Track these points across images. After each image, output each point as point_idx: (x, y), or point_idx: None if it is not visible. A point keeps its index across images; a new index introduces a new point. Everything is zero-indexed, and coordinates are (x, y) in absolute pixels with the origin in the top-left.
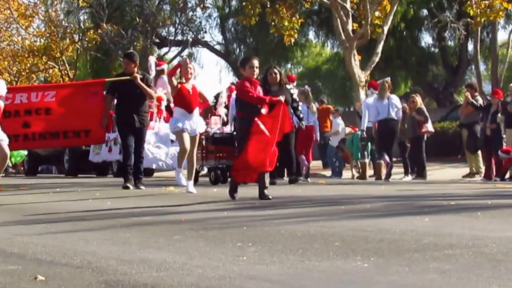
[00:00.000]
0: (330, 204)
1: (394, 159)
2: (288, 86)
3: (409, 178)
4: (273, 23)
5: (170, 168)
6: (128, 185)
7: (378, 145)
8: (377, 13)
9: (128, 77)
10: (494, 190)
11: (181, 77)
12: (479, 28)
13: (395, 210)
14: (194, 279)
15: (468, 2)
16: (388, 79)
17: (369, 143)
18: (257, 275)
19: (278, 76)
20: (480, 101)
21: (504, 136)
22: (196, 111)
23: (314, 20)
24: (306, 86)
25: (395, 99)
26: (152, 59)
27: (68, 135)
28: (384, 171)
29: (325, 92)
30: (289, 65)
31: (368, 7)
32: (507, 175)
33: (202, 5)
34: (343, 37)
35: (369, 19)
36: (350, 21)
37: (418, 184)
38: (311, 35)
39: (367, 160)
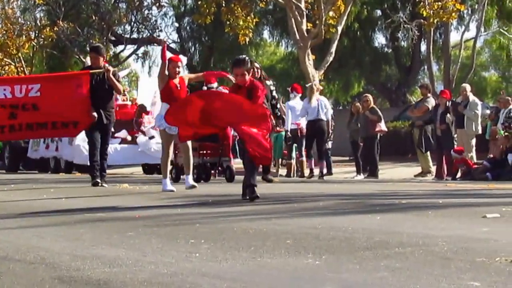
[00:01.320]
0: (282, 202)
1: (346, 158)
2: (268, 82)
3: (361, 176)
4: (228, 22)
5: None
6: (98, 181)
7: (308, 144)
8: (331, 13)
9: (100, 70)
10: (445, 189)
11: (169, 72)
12: (432, 29)
13: (347, 208)
14: (147, 275)
15: (421, 3)
16: (317, 82)
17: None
18: (209, 271)
19: (258, 71)
20: (433, 101)
21: (455, 136)
22: None
23: (268, 19)
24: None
25: (324, 101)
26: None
27: (57, 125)
28: (308, 169)
29: (279, 91)
30: None
31: (322, 7)
32: (458, 175)
33: (157, 4)
34: (298, 37)
35: (323, 19)
36: (304, 20)
37: (370, 182)
38: (266, 34)
39: (293, 161)
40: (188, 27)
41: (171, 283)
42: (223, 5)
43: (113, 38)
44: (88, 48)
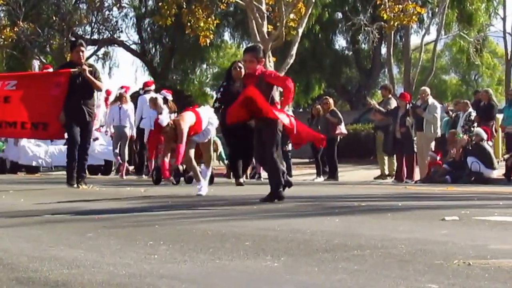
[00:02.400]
0: (242, 204)
1: (306, 160)
2: None
3: (321, 179)
4: (189, 24)
5: (49, 166)
6: (73, 183)
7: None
8: (292, 16)
9: (75, 69)
10: (405, 192)
11: None
12: (393, 32)
13: (306, 210)
14: (105, 276)
15: (382, 6)
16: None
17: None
18: (168, 273)
19: (242, 71)
20: (394, 103)
21: (415, 138)
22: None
23: (229, 21)
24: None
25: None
26: None
27: (26, 126)
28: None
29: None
30: (204, 66)
31: (283, 9)
32: (417, 177)
33: (118, 5)
34: (258, 39)
35: (284, 21)
36: (265, 23)
37: (330, 185)
38: (227, 36)
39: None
40: (148, 28)
41: (129, 284)
42: (184, 6)
43: (73, 39)
44: (48, 49)
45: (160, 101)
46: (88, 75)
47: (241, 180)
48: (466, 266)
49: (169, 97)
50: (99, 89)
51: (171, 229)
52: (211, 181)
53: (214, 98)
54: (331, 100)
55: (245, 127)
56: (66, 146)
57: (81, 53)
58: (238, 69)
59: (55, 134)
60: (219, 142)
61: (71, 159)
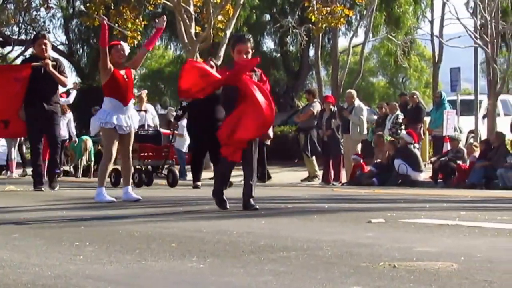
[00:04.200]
0: (168, 205)
1: None
2: None
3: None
4: (116, 25)
5: None
6: (41, 187)
7: None
8: (220, 17)
9: (38, 63)
10: (331, 194)
11: (111, 61)
12: (321, 34)
13: (233, 212)
14: (31, 277)
15: (310, 8)
16: (145, 91)
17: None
18: (93, 274)
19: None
20: (318, 106)
21: (342, 141)
22: (132, 103)
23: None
24: None
25: (150, 108)
26: None
27: None
28: None
29: (167, 94)
30: None
31: (211, 11)
32: (344, 180)
33: (46, 5)
34: (186, 40)
35: (212, 23)
36: (193, 24)
37: (257, 187)
38: None
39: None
40: (76, 29)
41: (55, 285)
42: (112, 7)
43: (0, 39)
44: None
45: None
46: (51, 69)
47: (199, 183)
48: (391, 268)
49: None
50: (64, 85)
51: (97, 230)
52: (174, 184)
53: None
54: None
55: (213, 127)
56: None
57: (43, 46)
58: (210, 68)
59: (17, 132)
60: (89, 141)
61: (36, 163)
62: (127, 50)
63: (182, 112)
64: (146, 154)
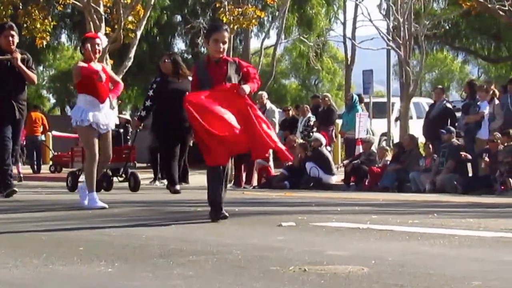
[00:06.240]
0: (77, 209)
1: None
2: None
3: (159, 184)
4: (25, 25)
5: None
6: (15, 189)
7: None
8: (130, 18)
9: (6, 57)
10: (242, 197)
11: (85, 56)
12: (232, 35)
13: (143, 215)
14: None
15: (221, 9)
16: None
17: None
18: (0, 278)
19: (174, 64)
20: None
21: None
22: (107, 101)
23: (67, 23)
24: None
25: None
26: None
27: None
28: None
29: (75, 95)
30: (41, 68)
31: (122, 11)
32: (255, 183)
33: None
34: None
35: (122, 24)
36: (103, 25)
37: (167, 190)
38: (64, 38)
39: None
40: None
41: None
42: (20, 7)
43: None
44: None
45: None
46: (20, 64)
47: (177, 186)
48: (302, 272)
49: None
50: (33, 81)
51: (2, 234)
52: (136, 188)
53: (146, 96)
54: None
55: (181, 128)
56: None
57: (10, 38)
58: (165, 62)
59: None
60: None
61: (4, 164)
62: (104, 43)
63: (146, 113)
64: None
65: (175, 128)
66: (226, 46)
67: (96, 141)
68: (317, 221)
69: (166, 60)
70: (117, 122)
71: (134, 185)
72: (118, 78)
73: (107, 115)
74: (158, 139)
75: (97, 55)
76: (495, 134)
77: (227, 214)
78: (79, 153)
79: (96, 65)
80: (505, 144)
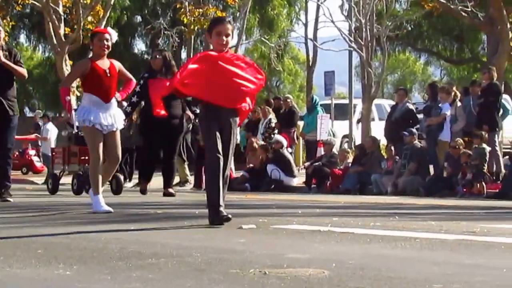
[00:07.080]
0: (35, 211)
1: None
2: None
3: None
4: None
5: None
6: (6, 198)
7: None
8: (90, 18)
9: None
10: (203, 199)
11: (93, 52)
12: (193, 36)
13: (101, 218)
14: None
15: (182, 10)
16: None
17: None
18: None
19: (166, 61)
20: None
21: None
22: (114, 100)
23: (25, 23)
24: None
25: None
26: None
27: None
28: None
29: (36, 97)
30: None
31: (81, 11)
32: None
33: None
34: (55, 42)
35: (82, 24)
36: (62, 25)
37: (127, 191)
38: (23, 38)
39: None
40: None
41: None
42: None
43: None
44: None
45: None
46: (5, 60)
47: (147, 186)
48: (262, 275)
49: None
50: (23, 77)
51: None
52: (119, 191)
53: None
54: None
55: (169, 126)
56: None
57: None
58: (156, 58)
59: None
60: None
61: None
62: (114, 38)
63: (132, 109)
64: (87, 157)
65: (162, 125)
66: (229, 39)
67: (100, 142)
68: (278, 224)
69: (157, 56)
70: None
71: (117, 188)
72: (130, 75)
73: (113, 115)
74: (142, 135)
75: (106, 51)
76: (456, 140)
77: (230, 216)
78: (60, 154)
79: (104, 62)
80: (475, 146)
